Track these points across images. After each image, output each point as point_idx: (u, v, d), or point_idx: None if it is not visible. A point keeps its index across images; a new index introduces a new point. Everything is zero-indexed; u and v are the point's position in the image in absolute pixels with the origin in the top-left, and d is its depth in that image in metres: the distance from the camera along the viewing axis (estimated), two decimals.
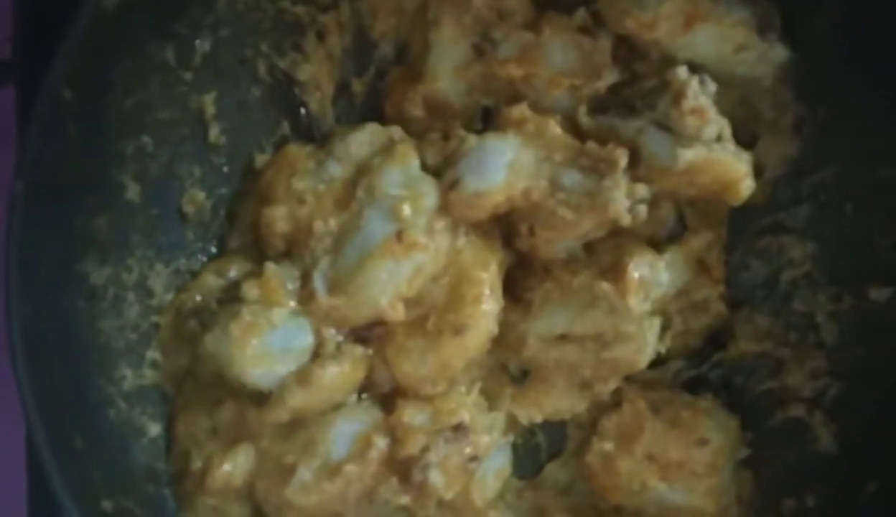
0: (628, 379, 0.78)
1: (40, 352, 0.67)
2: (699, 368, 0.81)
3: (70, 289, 0.70)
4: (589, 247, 0.74)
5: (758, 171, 0.73)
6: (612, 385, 0.77)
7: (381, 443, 0.71)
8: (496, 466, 0.77)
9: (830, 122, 0.74)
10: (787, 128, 0.76)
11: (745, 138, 0.73)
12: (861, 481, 0.72)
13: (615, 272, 0.72)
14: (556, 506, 0.81)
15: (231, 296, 0.75)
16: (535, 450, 0.83)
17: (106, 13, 0.67)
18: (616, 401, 0.79)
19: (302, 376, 0.71)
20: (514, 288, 0.76)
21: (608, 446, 0.78)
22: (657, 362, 0.77)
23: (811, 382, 0.77)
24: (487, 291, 0.72)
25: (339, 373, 0.72)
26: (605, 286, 0.72)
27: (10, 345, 0.65)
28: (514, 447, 0.81)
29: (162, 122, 0.75)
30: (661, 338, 0.76)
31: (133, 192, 0.74)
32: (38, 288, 0.67)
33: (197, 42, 0.75)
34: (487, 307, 0.72)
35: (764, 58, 0.71)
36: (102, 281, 0.73)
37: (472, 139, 0.73)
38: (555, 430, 0.82)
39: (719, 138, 0.69)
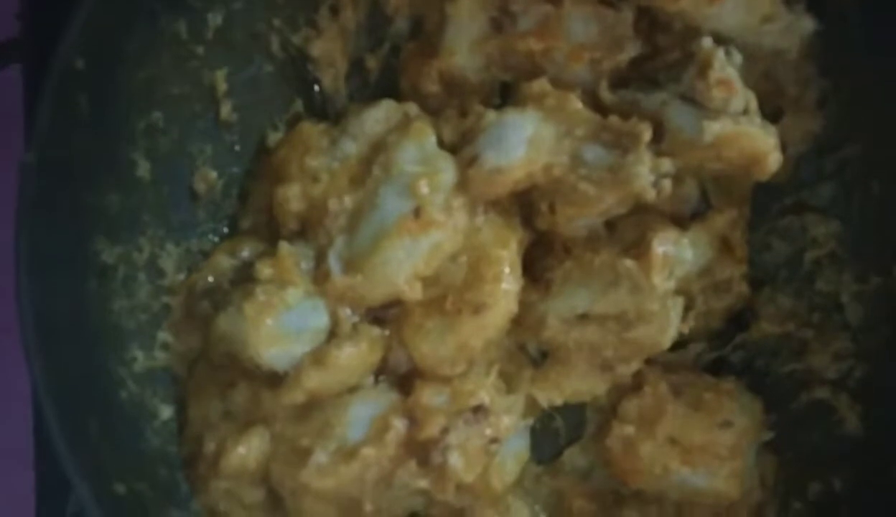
0: (649, 361, 0.77)
1: (51, 332, 0.65)
2: (721, 350, 0.80)
3: (81, 267, 0.69)
4: (610, 224, 0.73)
5: (781, 149, 0.71)
6: (634, 366, 0.75)
7: (399, 425, 0.70)
8: (515, 450, 0.75)
9: (855, 99, 0.73)
10: (811, 104, 0.74)
11: (768, 115, 0.71)
12: (888, 463, 0.71)
13: (638, 249, 0.70)
14: (574, 492, 0.79)
15: (244, 277, 0.74)
16: (554, 435, 0.81)
17: None
18: (637, 385, 0.78)
19: (318, 356, 0.70)
20: (534, 268, 0.75)
21: (629, 430, 0.76)
22: (678, 345, 0.76)
23: (836, 364, 0.75)
24: (507, 270, 0.71)
25: (356, 354, 0.70)
26: (629, 263, 0.70)
27: (21, 324, 0.63)
28: (533, 432, 0.79)
29: (173, 97, 0.74)
30: (683, 318, 0.74)
31: (144, 169, 0.73)
32: (49, 265, 0.65)
33: (209, 15, 0.73)
34: (507, 286, 0.71)
35: (790, 29, 0.70)
36: (113, 260, 0.71)
37: (491, 114, 0.71)
38: (573, 415, 0.81)
39: (745, 111, 0.68)
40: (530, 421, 0.78)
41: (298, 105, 0.80)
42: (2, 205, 0.74)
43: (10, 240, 0.67)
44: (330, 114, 0.80)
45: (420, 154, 0.72)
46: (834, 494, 0.74)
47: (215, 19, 0.73)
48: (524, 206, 0.74)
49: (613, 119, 0.69)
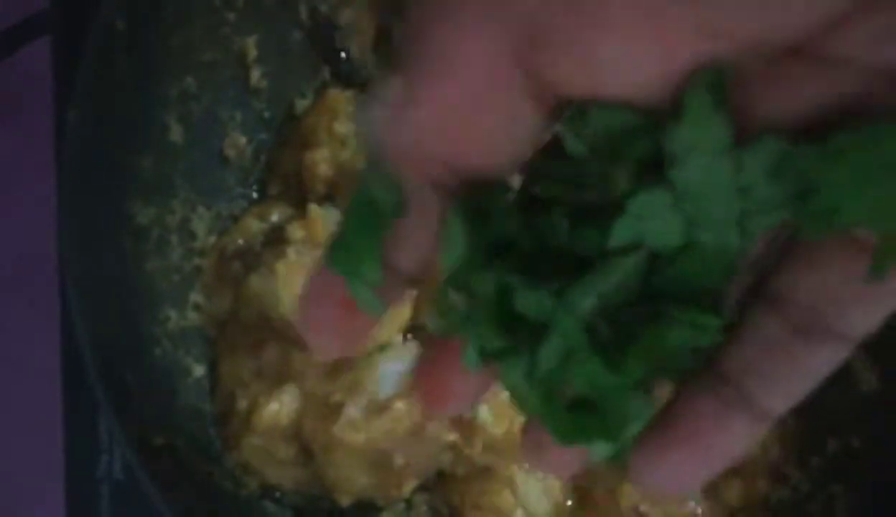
0: None
1: (90, 287, 0.66)
2: None
3: (118, 226, 0.70)
4: None
5: None
6: None
7: None
8: None
9: None
10: None
11: None
12: None
13: None
14: None
15: (274, 239, 0.75)
16: None
17: None
18: None
19: None
20: None
21: None
22: None
23: None
24: None
25: (387, 311, 0.71)
26: None
27: (62, 277, 0.65)
28: None
29: (205, 63, 0.75)
30: None
31: (177, 133, 0.74)
32: (88, 223, 0.67)
33: None
34: None
35: None
36: (147, 221, 0.73)
37: None
38: None
39: None
40: None
41: (325, 73, 0.81)
42: (34, 185, 0.76)
43: (45, 207, 0.68)
44: (356, 82, 0.81)
45: None
46: (852, 450, 0.75)
47: None
48: None
49: None
